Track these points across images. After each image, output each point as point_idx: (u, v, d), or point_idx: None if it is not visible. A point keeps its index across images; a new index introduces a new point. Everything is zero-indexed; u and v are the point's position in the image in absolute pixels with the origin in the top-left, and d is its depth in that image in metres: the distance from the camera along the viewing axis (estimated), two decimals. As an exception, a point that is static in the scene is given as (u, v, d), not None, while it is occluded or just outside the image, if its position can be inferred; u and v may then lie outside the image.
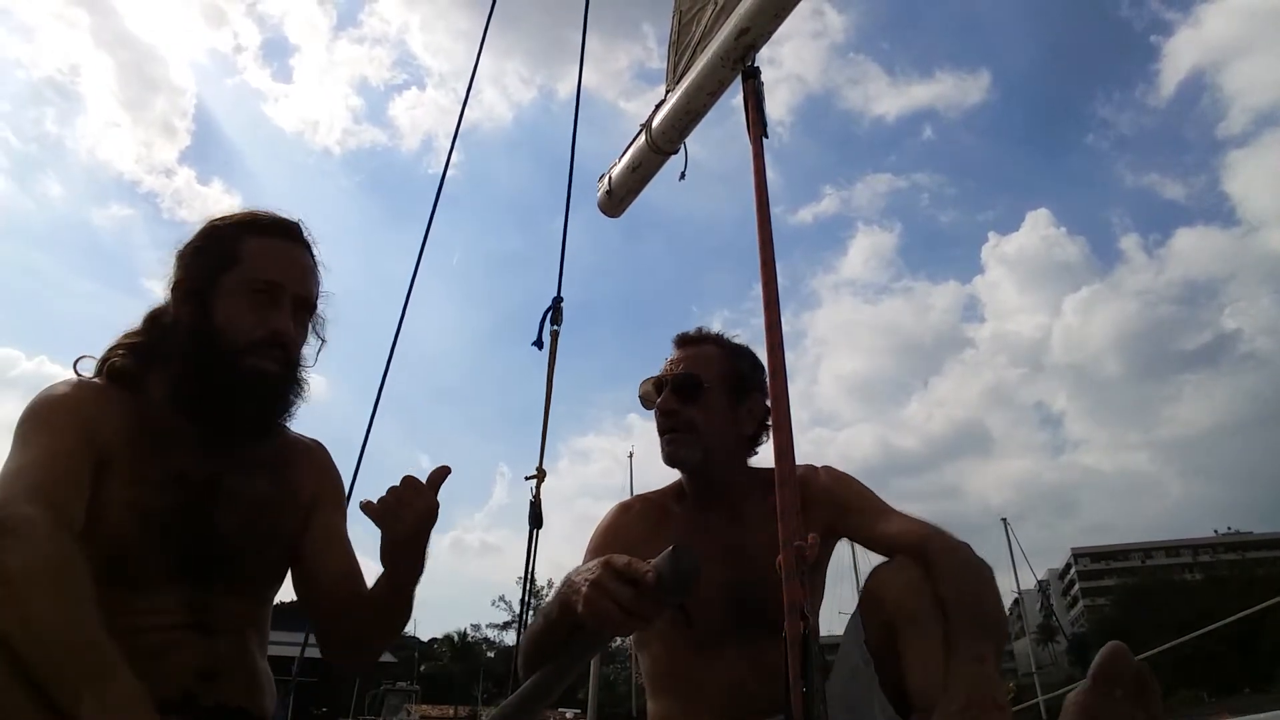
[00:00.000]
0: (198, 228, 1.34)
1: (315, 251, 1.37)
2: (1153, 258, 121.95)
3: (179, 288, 1.30)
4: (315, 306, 1.36)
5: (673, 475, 1.68)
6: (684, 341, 1.68)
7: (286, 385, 1.30)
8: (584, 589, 1.00)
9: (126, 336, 1.33)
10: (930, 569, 1.26)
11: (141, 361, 1.29)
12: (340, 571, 1.35)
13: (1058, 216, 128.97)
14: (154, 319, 1.33)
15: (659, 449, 1.63)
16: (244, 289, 1.27)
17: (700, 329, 1.70)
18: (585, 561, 1.53)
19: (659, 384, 1.63)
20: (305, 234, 1.36)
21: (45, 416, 1.17)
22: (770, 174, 1.35)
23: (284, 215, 1.36)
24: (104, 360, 1.30)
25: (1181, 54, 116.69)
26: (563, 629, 1.09)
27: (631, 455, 25.36)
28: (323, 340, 1.41)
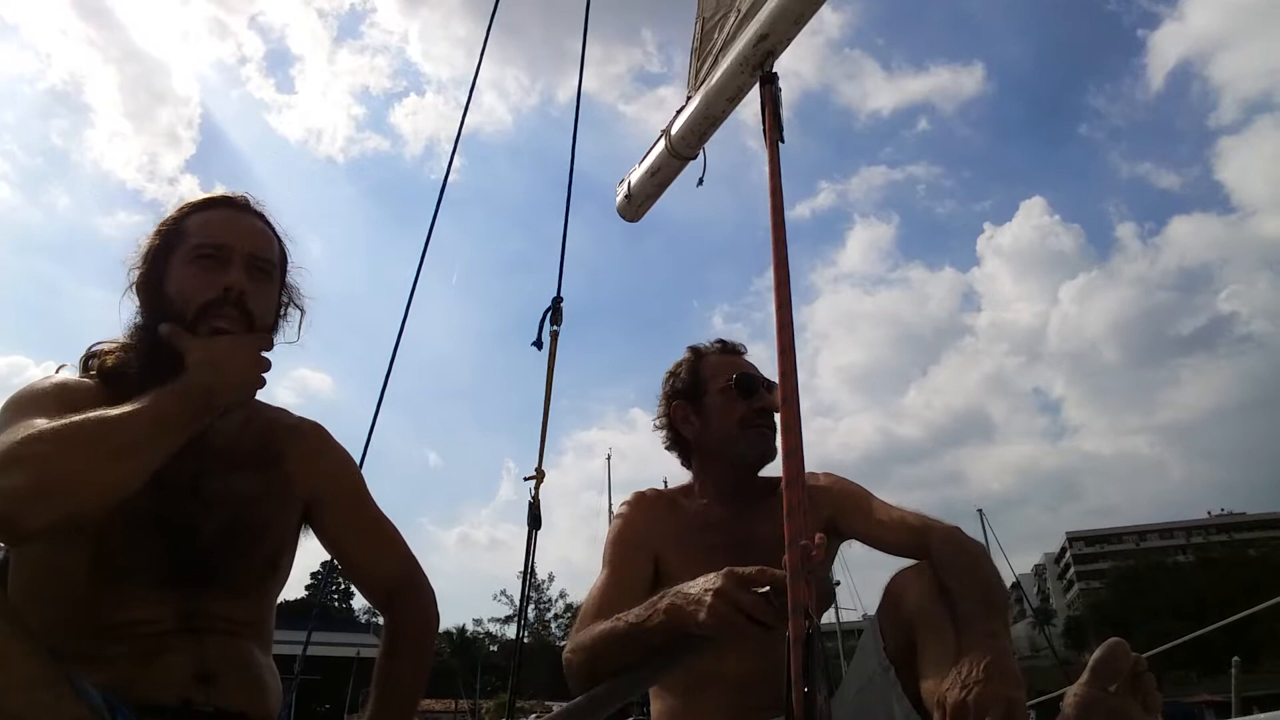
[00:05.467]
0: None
1: (269, 218, 1.34)
2: (1148, 245, 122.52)
3: (135, 285, 1.27)
4: (275, 268, 1.32)
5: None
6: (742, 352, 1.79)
7: None
8: (708, 599, 1.05)
9: (103, 344, 1.29)
10: (931, 559, 1.29)
11: (133, 362, 1.26)
12: (385, 564, 1.39)
13: (1053, 205, 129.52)
14: (134, 333, 1.30)
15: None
16: (190, 257, 1.24)
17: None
18: (611, 547, 1.60)
19: (762, 382, 1.68)
20: (254, 203, 1.34)
21: (21, 403, 1.15)
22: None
23: (231, 192, 1.34)
24: (91, 357, 1.27)
25: (1169, 46, 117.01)
26: (659, 636, 1.14)
27: (609, 456, 25.46)
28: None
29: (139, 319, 1.27)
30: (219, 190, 1.35)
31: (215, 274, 1.23)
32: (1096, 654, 0.97)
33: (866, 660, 1.28)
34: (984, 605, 1.15)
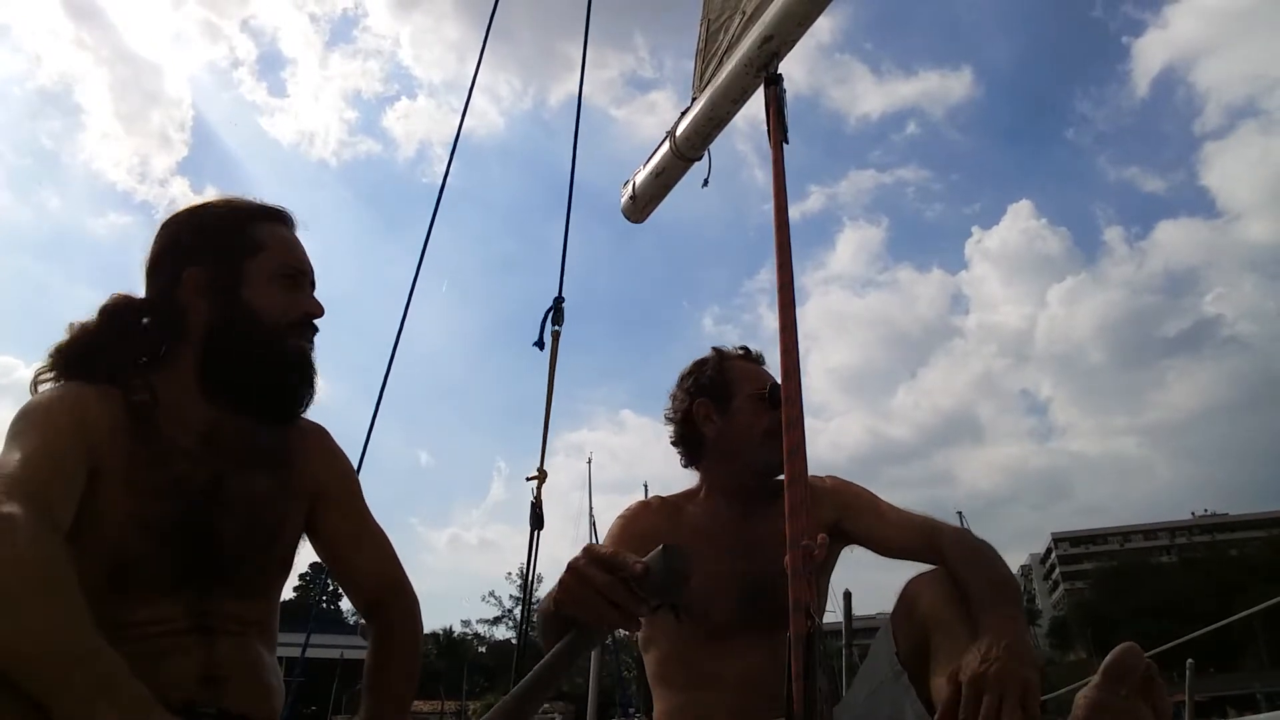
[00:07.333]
0: (188, 219, 1.31)
1: None
2: (1134, 249, 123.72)
3: (192, 279, 1.26)
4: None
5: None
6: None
7: (314, 365, 1.33)
8: (563, 576, 0.97)
9: (84, 331, 1.25)
10: (944, 558, 1.30)
11: (146, 363, 1.26)
12: (375, 568, 1.39)
13: (1040, 209, 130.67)
14: (121, 313, 1.27)
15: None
16: (273, 275, 1.29)
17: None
18: (610, 543, 1.56)
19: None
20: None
21: (39, 416, 1.13)
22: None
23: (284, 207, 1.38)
24: (87, 361, 1.23)
25: (1153, 52, 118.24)
26: (557, 624, 1.04)
27: (590, 460, 25.22)
28: None
29: (185, 313, 1.25)
30: (268, 201, 1.37)
31: (295, 295, 1.31)
32: (1109, 657, 0.96)
33: (878, 665, 1.28)
34: (1000, 591, 1.16)
